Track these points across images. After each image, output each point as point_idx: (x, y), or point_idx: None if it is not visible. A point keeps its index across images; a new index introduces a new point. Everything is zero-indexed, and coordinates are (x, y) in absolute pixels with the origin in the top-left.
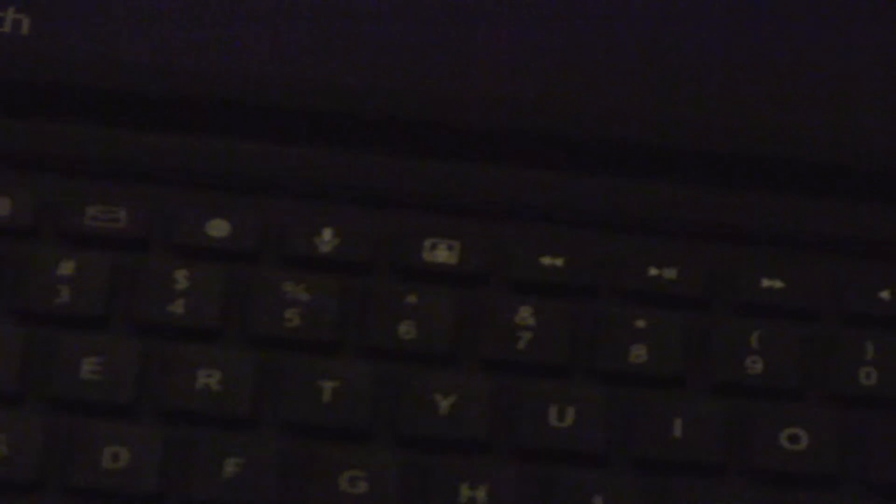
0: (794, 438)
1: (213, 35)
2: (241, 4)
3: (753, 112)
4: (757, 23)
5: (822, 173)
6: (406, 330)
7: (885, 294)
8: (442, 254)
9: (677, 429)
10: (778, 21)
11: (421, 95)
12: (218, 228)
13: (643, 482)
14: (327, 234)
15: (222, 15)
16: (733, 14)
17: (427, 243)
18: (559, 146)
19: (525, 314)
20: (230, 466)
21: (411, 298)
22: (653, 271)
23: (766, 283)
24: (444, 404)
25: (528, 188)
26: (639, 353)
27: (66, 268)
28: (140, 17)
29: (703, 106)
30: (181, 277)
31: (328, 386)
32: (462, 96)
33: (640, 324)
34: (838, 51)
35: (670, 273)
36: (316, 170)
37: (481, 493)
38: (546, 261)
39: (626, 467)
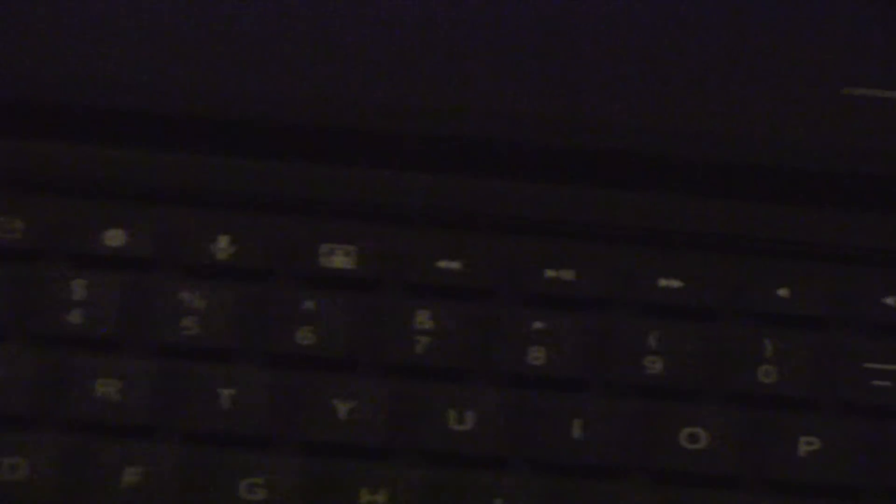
0: (693, 438)
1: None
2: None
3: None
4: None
5: (714, 173)
6: (304, 336)
7: (783, 292)
8: (339, 259)
9: (577, 430)
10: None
11: (314, 101)
12: (114, 238)
13: (544, 484)
14: (223, 241)
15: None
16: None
17: (324, 249)
18: (448, 149)
19: (423, 318)
20: (130, 475)
21: (309, 304)
22: (550, 273)
23: (663, 282)
24: (344, 410)
25: (422, 191)
26: (537, 355)
27: None
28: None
29: (595, 105)
30: (78, 287)
31: (227, 393)
32: (356, 101)
33: (539, 325)
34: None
35: (568, 274)
36: (211, 177)
37: (382, 498)
38: (443, 264)
39: (527, 469)
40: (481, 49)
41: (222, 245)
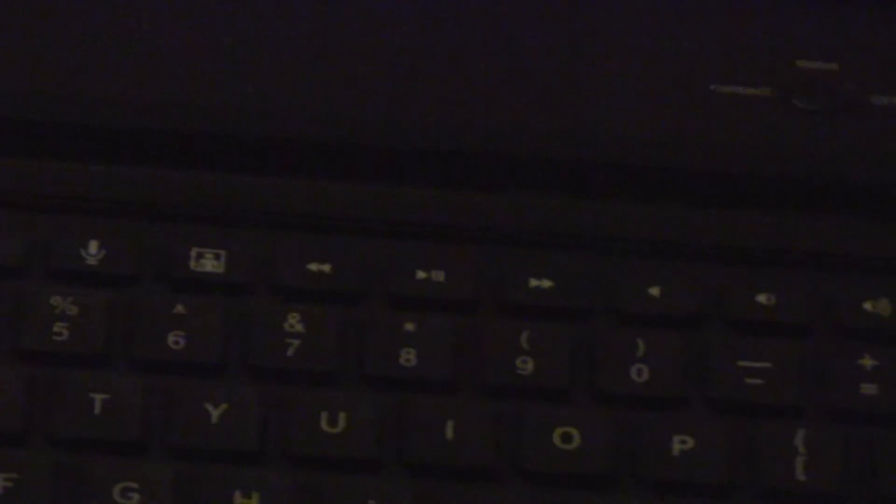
0: (567, 438)
1: None
2: None
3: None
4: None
5: (585, 172)
6: (175, 341)
7: (654, 291)
8: (209, 263)
9: (450, 432)
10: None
11: (180, 106)
12: None
13: (416, 486)
14: (93, 246)
15: None
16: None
17: (193, 253)
18: (314, 153)
19: (293, 321)
20: (2, 482)
21: (179, 309)
22: (421, 274)
23: (533, 283)
24: (216, 414)
25: (291, 196)
26: (409, 357)
27: None
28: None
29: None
30: None
31: (98, 398)
32: (222, 106)
33: (410, 327)
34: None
35: (438, 276)
36: (81, 183)
37: (254, 502)
38: (314, 267)
39: (400, 472)
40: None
41: (93, 251)
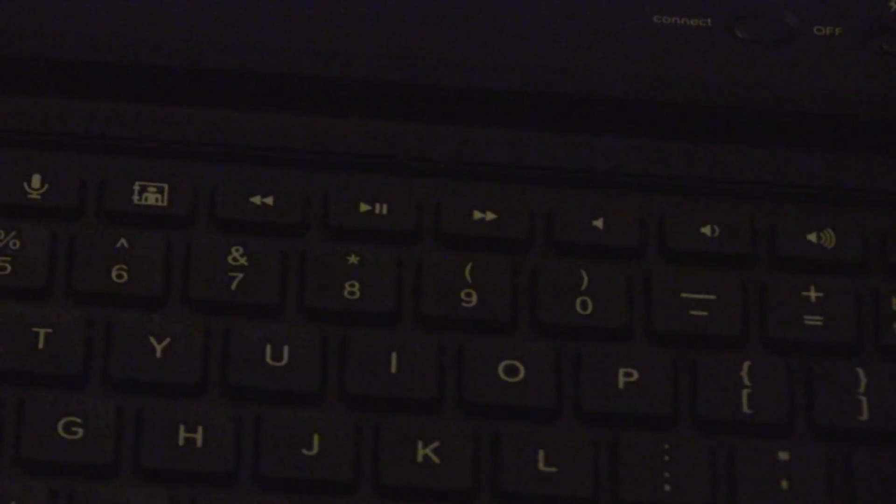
0: (512, 370)
1: None
2: None
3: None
4: None
5: (528, 104)
6: (118, 274)
7: (597, 222)
8: (151, 196)
9: (393, 364)
10: None
11: (121, 39)
12: None
13: (359, 418)
14: (35, 180)
15: None
16: None
17: (136, 186)
18: (252, 86)
19: (236, 254)
20: None
21: (122, 242)
22: (363, 207)
23: (477, 215)
24: (159, 348)
25: (234, 129)
26: (352, 290)
27: None
28: None
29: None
30: None
31: (42, 333)
32: (159, 39)
33: (352, 259)
34: None
35: (381, 208)
36: (22, 117)
37: (198, 436)
38: (256, 200)
39: (343, 405)
40: None
41: (35, 185)
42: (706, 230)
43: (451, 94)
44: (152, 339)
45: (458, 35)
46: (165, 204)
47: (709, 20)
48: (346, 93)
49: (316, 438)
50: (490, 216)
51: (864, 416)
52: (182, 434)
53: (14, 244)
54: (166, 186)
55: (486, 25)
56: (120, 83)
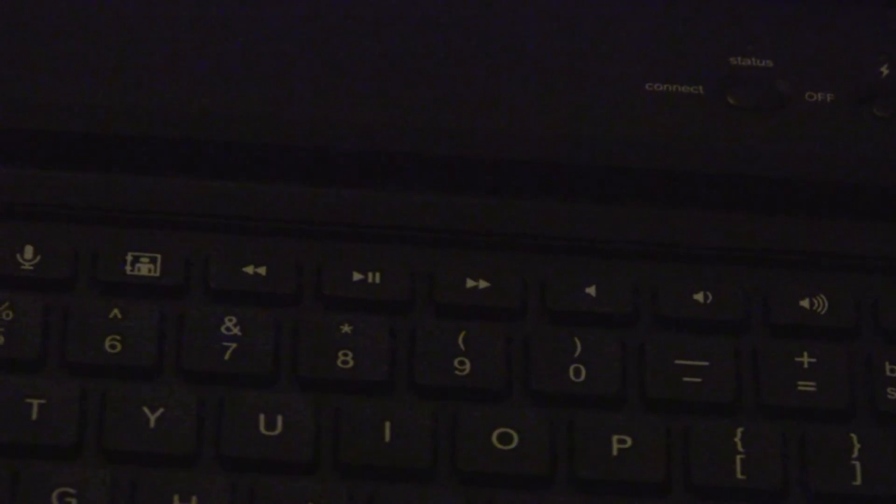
0: (505, 438)
1: None
2: None
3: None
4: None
5: (520, 172)
6: (111, 344)
7: (590, 290)
8: (144, 267)
9: (386, 433)
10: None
11: (110, 110)
12: None
13: (353, 488)
14: (28, 252)
15: None
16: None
17: (129, 257)
18: (250, 156)
19: (229, 324)
20: None
21: (115, 313)
22: (356, 276)
23: (469, 283)
24: (153, 418)
25: (226, 199)
26: (345, 359)
27: None
28: None
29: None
30: None
31: (35, 404)
32: (150, 110)
33: (346, 329)
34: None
35: (374, 277)
36: (14, 188)
37: None
38: (249, 270)
39: (338, 474)
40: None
41: (28, 256)
42: (699, 297)
43: (444, 163)
44: (146, 410)
45: (449, 104)
46: (158, 274)
47: (700, 87)
48: (338, 162)
49: None
50: (483, 284)
51: (858, 481)
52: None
53: (7, 315)
54: (159, 257)
55: (478, 94)
56: (111, 154)
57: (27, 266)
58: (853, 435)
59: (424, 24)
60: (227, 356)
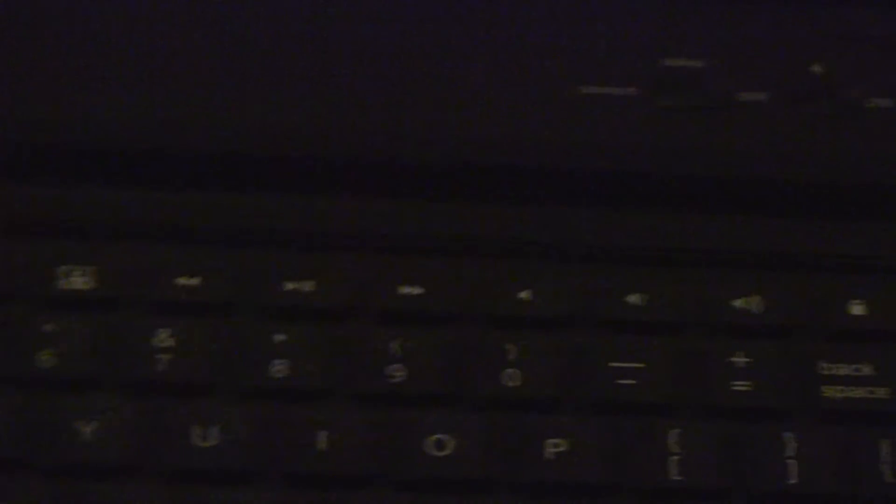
0: (440, 444)
1: None
2: None
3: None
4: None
5: (453, 176)
6: (46, 358)
7: (524, 294)
8: (77, 280)
9: (323, 442)
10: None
11: (29, 121)
12: None
13: (291, 497)
14: None
15: None
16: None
17: (62, 270)
18: (182, 165)
19: (164, 336)
20: None
21: (48, 326)
22: (289, 285)
23: (404, 289)
24: (87, 430)
25: (159, 209)
26: (280, 368)
27: None
28: None
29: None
30: None
31: None
32: (74, 119)
33: (280, 337)
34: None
35: (308, 285)
36: None
37: None
38: (183, 281)
39: (276, 483)
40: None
41: None
42: (633, 299)
43: (373, 168)
44: (81, 423)
45: (380, 108)
46: (92, 287)
47: (633, 89)
48: (267, 168)
49: None
50: (417, 290)
51: (794, 480)
52: None
53: None
54: (93, 269)
55: (413, 99)
56: (41, 166)
57: None
58: (789, 434)
59: (353, 27)
60: (162, 367)
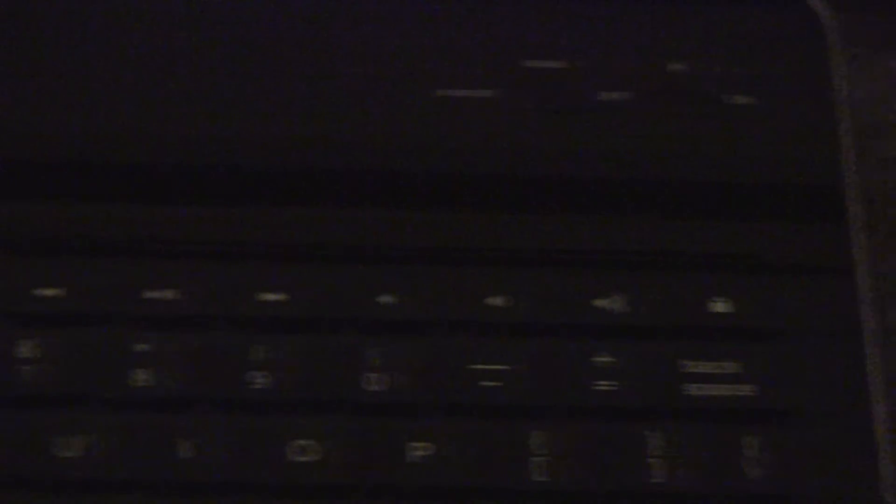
0: (303, 450)
1: None
2: None
3: None
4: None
5: (313, 180)
6: None
7: (385, 298)
8: None
9: (184, 450)
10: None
11: None
12: None
13: None
14: None
15: None
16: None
17: None
18: (39, 175)
19: (26, 347)
20: None
21: None
22: (150, 294)
23: (264, 296)
24: None
25: (20, 220)
26: (144, 377)
27: None
28: None
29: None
30: None
31: None
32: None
33: (142, 347)
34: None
35: (170, 294)
36: None
37: None
38: (42, 292)
39: (139, 491)
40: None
41: None
42: (495, 300)
43: (231, 174)
44: None
45: (227, 113)
46: None
47: (495, 90)
48: (122, 177)
49: None
50: (279, 297)
51: (659, 478)
52: None
53: None
54: None
55: (268, 103)
56: None
57: None
58: (653, 433)
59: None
60: (24, 378)
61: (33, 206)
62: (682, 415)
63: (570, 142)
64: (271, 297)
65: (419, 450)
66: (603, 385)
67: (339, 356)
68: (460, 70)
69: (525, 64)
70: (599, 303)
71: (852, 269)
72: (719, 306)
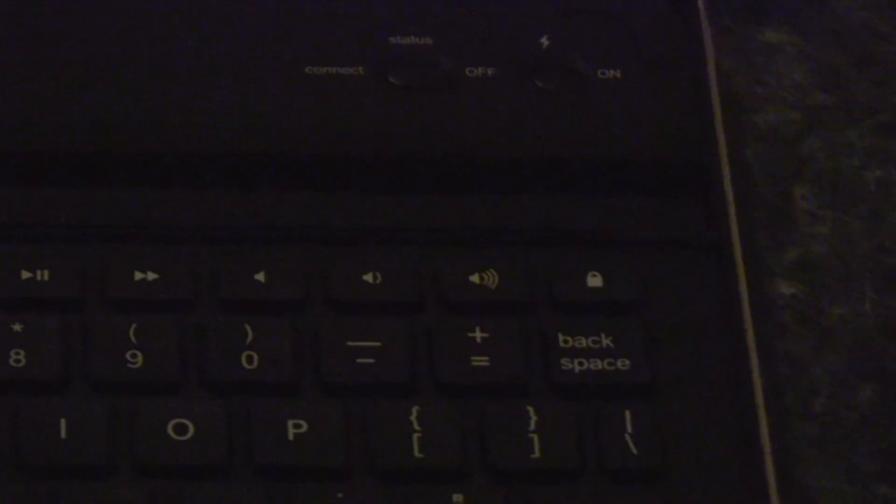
0: (181, 429)
1: None
2: None
3: None
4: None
5: (193, 163)
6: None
7: (259, 276)
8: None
9: (63, 430)
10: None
11: None
12: None
13: (31, 488)
14: None
15: None
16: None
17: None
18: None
19: (17, 329)
20: None
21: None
22: (26, 274)
23: (138, 276)
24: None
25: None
26: (18, 358)
27: None
28: None
29: None
30: None
31: None
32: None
33: (17, 328)
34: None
35: (43, 275)
36: None
37: None
38: (29, 275)
39: (11, 475)
40: None
41: None
42: (368, 278)
43: (119, 159)
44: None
45: (108, 98)
46: None
47: (361, 68)
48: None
49: None
50: (152, 276)
51: (537, 454)
52: None
53: None
54: None
55: (137, 88)
56: None
57: None
58: (530, 408)
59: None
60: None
61: None
62: (559, 390)
63: (435, 119)
64: (145, 276)
65: (295, 428)
66: (479, 361)
67: (215, 335)
68: (327, 47)
69: (392, 41)
70: (474, 279)
71: (726, 243)
72: (593, 281)
